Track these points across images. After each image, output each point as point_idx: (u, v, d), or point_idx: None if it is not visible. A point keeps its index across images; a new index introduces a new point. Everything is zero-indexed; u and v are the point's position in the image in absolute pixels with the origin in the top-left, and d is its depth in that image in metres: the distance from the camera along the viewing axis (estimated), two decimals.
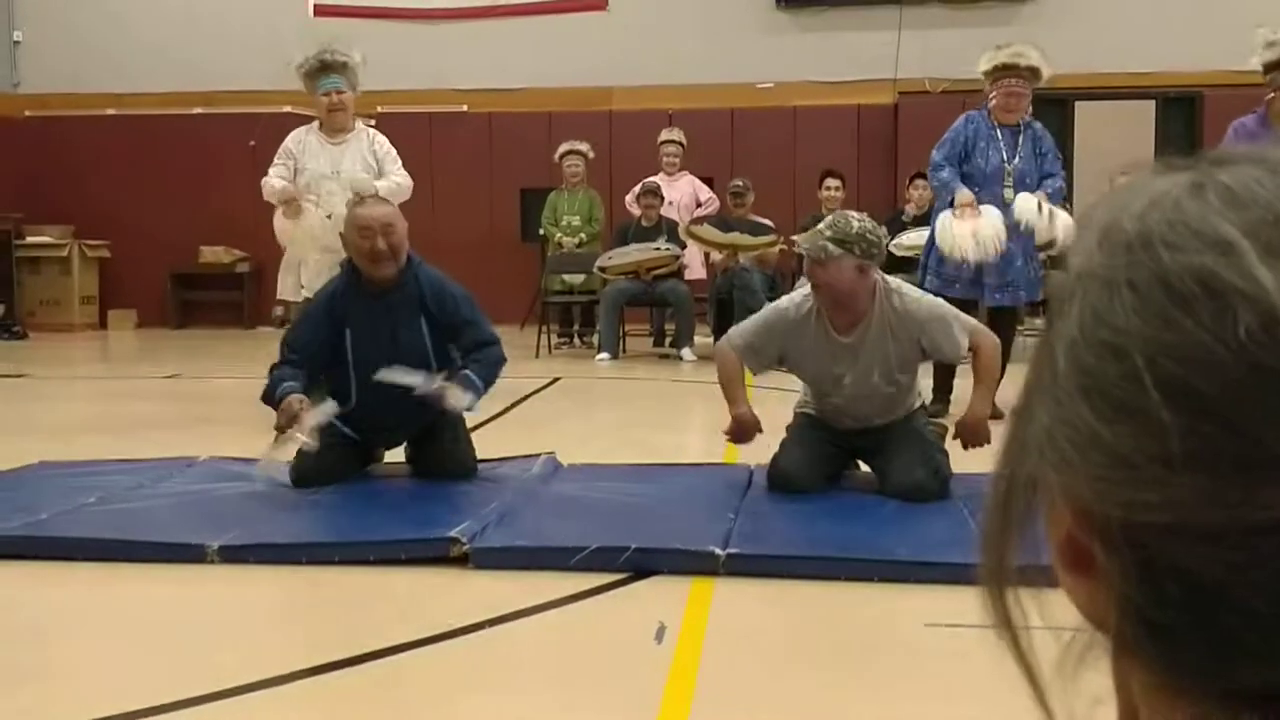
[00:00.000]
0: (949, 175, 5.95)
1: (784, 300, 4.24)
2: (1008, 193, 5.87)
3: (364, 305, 4.40)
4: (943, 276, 6.02)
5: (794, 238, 4.15)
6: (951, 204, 5.94)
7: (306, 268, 6.03)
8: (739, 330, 4.17)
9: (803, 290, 4.19)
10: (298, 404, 4.12)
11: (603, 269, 9.19)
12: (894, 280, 4.18)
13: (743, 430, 4.03)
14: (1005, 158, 5.93)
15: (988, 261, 5.82)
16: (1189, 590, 0.43)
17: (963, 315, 4.18)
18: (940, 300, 4.21)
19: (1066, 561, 0.47)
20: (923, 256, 6.25)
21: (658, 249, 9.07)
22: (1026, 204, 5.80)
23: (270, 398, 4.25)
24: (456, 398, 4.19)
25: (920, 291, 4.25)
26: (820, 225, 4.05)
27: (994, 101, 6.05)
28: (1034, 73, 6.01)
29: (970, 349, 4.07)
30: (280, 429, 4.10)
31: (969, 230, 5.78)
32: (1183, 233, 0.44)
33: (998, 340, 4.19)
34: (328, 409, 4.18)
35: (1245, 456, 0.41)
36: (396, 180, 6.04)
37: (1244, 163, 0.46)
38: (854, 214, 4.15)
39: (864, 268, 3.97)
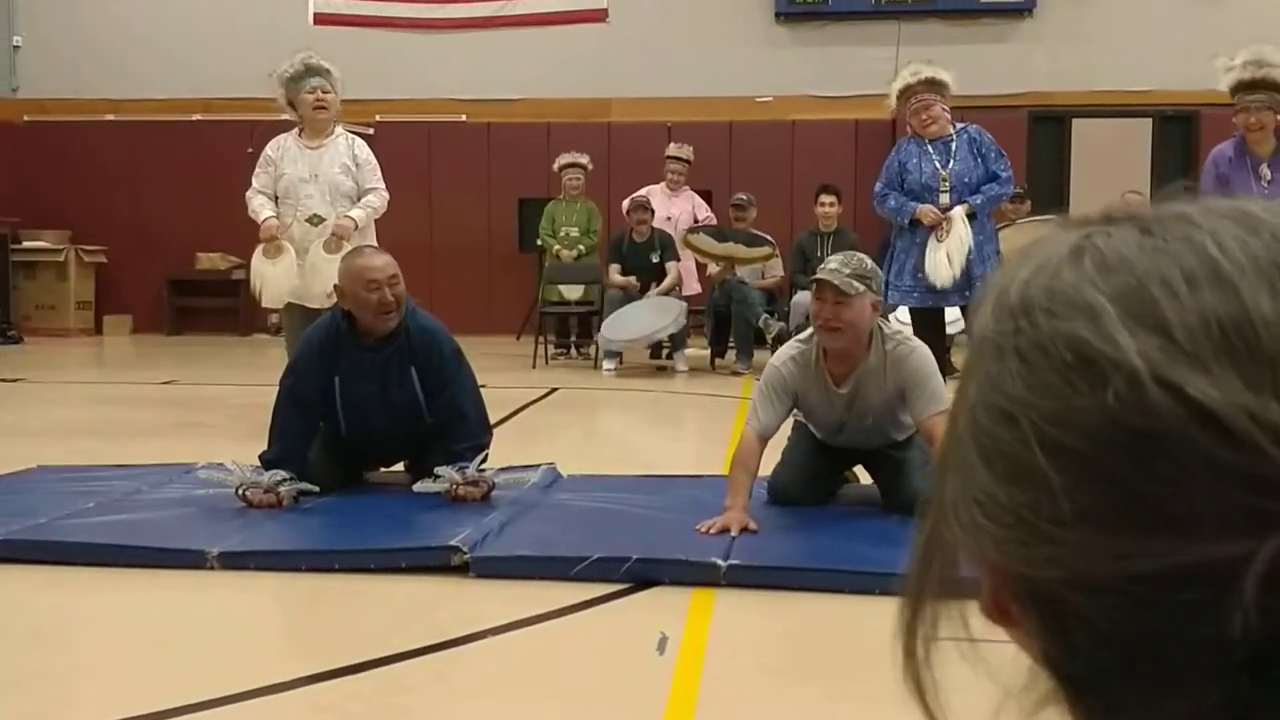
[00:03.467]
0: (895, 201, 6.13)
1: (777, 359, 4.10)
2: (943, 197, 6.00)
3: (355, 355, 4.32)
4: (901, 289, 6.09)
5: (818, 277, 4.04)
6: (913, 224, 6.04)
7: (290, 274, 6.02)
8: (755, 415, 3.99)
9: (795, 345, 4.11)
10: (277, 497, 4.08)
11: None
12: (891, 324, 4.15)
13: (728, 527, 3.71)
14: (938, 165, 6.03)
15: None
16: (1095, 640, 0.45)
17: (943, 388, 4.01)
18: (930, 355, 4.06)
19: (994, 614, 0.50)
20: (886, 273, 6.32)
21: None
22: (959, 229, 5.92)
23: (263, 464, 4.21)
24: (471, 494, 4.16)
25: (917, 341, 4.14)
26: (832, 265, 3.97)
27: (911, 121, 6.16)
28: (935, 84, 6.08)
29: (929, 433, 3.83)
30: (253, 504, 4.10)
31: (944, 255, 5.90)
32: (1058, 300, 0.47)
33: None
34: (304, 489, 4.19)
35: (1125, 511, 0.44)
36: (374, 204, 6.05)
37: (1126, 223, 0.48)
38: (857, 253, 4.16)
39: (877, 304, 3.98)
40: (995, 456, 0.47)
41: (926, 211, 5.99)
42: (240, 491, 4.10)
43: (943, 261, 5.94)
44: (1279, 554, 0.42)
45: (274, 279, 5.99)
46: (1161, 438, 0.43)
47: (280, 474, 4.12)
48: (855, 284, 3.85)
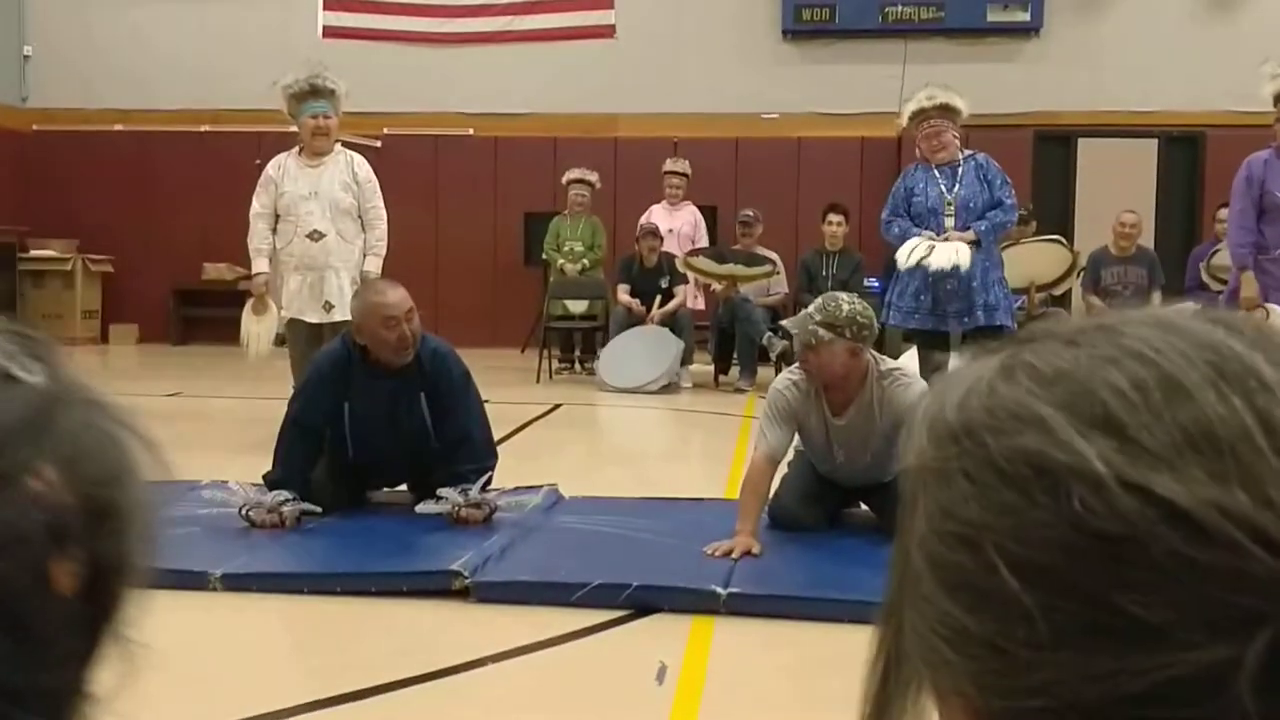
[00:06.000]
0: (899, 229, 6.11)
1: (779, 383, 4.13)
2: (948, 221, 6.00)
3: (366, 384, 4.35)
4: (902, 310, 6.09)
5: (783, 322, 4.07)
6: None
7: (287, 288, 6.10)
8: (763, 437, 4.03)
9: (797, 371, 4.10)
10: (280, 518, 4.11)
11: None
12: (889, 362, 4.18)
13: (737, 550, 3.77)
14: (944, 190, 6.04)
15: (943, 290, 5.93)
16: None
17: None
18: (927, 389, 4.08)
19: None
20: (888, 294, 6.34)
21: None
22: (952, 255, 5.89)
23: (267, 484, 4.24)
24: (473, 516, 4.18)
25: (915, 377, 4.18)
26: (809, 309, 4.02)
27: (920, 146, 6.16)
28: (947, 109, 6.08)
29: None
30: (257, 525, 4.11)
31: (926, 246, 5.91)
32: (1002, 416, 0.45)
33: None
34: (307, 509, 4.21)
35: (1109, 626, 0.42)
36: (380, 250, 6.14)
37: (1045, 339, 0.48)
38: (844, 295, 4.12)
39: (856, 350, 3.95)
40: (959, 586, 0.45)
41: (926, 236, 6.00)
42: (243, 512, 4.12)
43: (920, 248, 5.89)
44: (1267, 653, 0.40)
45: (256, 336, 6.29)
46: (1133, 542, 0.41)
47: (283, 494, 4.14)
48: (821, 333, 3.88)
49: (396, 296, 4.32)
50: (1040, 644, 0.43)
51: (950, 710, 0.47)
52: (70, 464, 0.51)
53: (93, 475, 0.52)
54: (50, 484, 0.49)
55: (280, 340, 6.34)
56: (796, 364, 4.10)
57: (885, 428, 4.02)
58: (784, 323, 3.99)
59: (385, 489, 4.74)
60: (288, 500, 4.14)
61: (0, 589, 0.47)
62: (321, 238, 6.03)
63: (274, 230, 6.16)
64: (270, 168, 6.21)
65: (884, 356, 4.23)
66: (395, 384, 4.35)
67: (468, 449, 4.32)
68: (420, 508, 4.21)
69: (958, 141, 6.13)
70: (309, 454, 4.34)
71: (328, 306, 5.97)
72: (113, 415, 0.55)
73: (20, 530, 0.48)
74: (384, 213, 6.19)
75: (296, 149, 6.22)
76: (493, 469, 4.37)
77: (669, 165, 10.10)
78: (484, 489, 4.23)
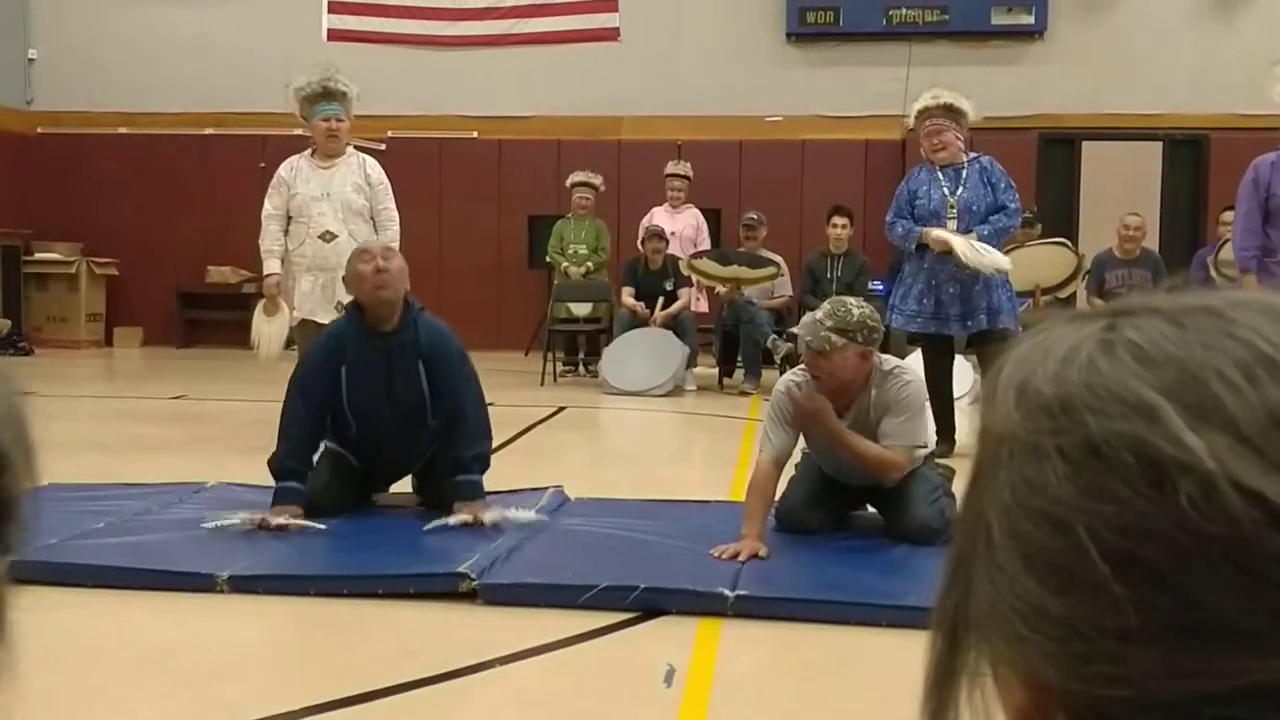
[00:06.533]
0: (902, 228, 6.10)
1: (781, 385, 4.13)
2: (950, 224, 5.99)
3: (363, 347, 4.38)
4: (905, 313, 6.09)
5: (793, 329, 4.11)
6: (919, 248, 6.03)
7: (299, 289, 6.12)
8: (767, 440, 4.03)
9: (798, 373, 4.10)
10: (285, 519, 4.09)
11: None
12: (893, 361, 4.19)
13: (744, 553, 3.77)
14: (947, 192, 6.03)
15: (946, 293, 5.92)
16: None
17: (924, 429, 4.11)
18: (922, 396, 4.14)
19: None
20: (892, 297, 6.34)
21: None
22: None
23: (272, 471, 4.26)
24: (488, 516, 4.15)
25: (915, 377, 4.21)
26: (818, 314, 4.00)
27: (922, 145, 6.15)
28: (951, 110, 6.07)
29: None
30: (262, 527, 4.10)
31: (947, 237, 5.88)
32: (1104, 396, 0.43)
33: (903, 470, 4.06)
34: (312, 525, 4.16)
35: (1201, 626, 0.41)
36: (391, 239, 6.13)
37: (1146, 314, 0.45)
38: (851, 299, 4.13)
39: (866, 354, 3.97)
40: (1044, 566, 0.43)
41: (928, 234, 5.99)
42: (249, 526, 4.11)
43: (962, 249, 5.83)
44: None
45: (268, 337, 6.29)
46: (1237, 545, 0.40)
47: (286, 514, 4.12)
48: (833, 338, 3.88)
49: (375, 240, 4.41)
50: (1128, 635, 0.42)
51: (1014, 679, 0.46)
52: None
53: None
54: None
55: (291, 341, 6.34)
56: (801, 365, 4.10)
57: (878, 422, 4.03)
58: (795, 329, 3.99)
59: (389, 488, 4.74)
60: (291, 518, 4.13)
61: None
62: (334, 239, 6.05)
63: (286, 232, 6.18)
64: (283, 169, 6.25)
65: (888, 356, 4.23)
66: (391, 345, 4.37)
67: (463, 427, 4.33)
68: (430, 527, 4.16)
69: (960, 143, 6.12)
70: (312, 422, 4.37)
71: (339, 307, 5.97)
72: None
73: None
74: (396, 214, 6.21)
75: (309, 151, 6.26)
76: (489, 451, 4.39)
77: (671, 168, 10.12)
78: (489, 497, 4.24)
